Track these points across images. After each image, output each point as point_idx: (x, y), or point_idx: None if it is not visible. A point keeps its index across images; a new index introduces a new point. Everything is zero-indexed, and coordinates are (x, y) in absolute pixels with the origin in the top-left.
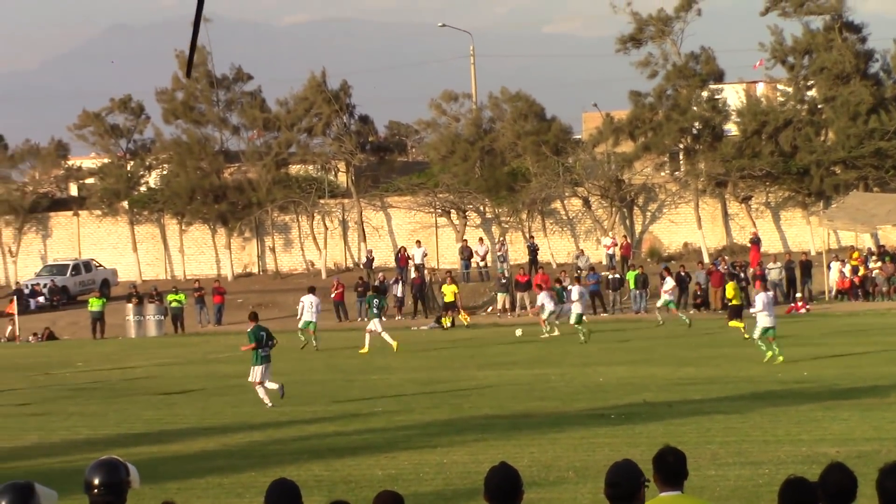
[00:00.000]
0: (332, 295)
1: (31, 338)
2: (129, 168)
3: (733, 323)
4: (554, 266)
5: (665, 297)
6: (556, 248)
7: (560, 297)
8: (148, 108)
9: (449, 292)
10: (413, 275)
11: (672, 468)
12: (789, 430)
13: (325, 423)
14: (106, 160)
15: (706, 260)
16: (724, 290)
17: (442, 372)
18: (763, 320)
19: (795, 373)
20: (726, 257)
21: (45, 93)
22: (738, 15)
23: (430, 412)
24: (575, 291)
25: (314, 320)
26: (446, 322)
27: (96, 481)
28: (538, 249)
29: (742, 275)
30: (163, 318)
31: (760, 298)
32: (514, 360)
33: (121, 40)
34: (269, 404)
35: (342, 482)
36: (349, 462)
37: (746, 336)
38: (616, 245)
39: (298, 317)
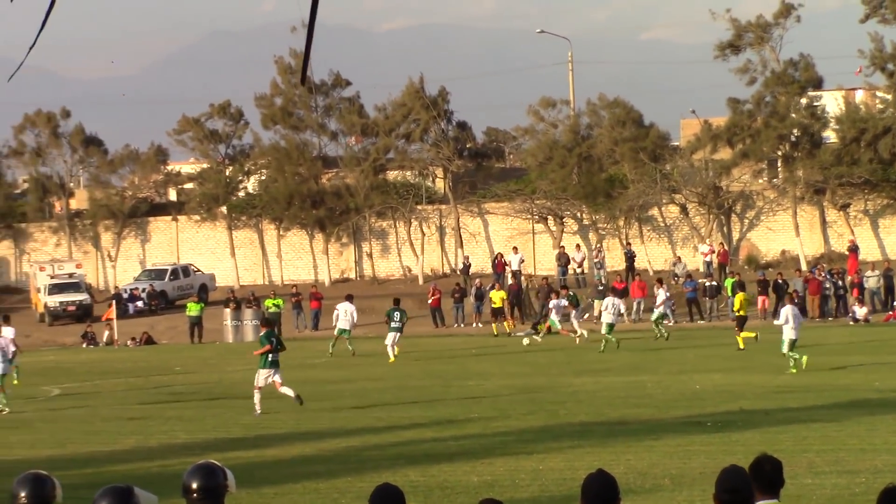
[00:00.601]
0: (429, 301)
1: (129, 342)
2: (227, 173)
3: (745, 334)
4: (650, 273)
5: (658, 310)
6: (652, 255)
7: (575, 302)
8: (247, 113)
9: (497, 298)
10: (510, 281)
11: (768, 476)
12: (887, 438)
13: (422, 429)
14: (205, 165)
15: (804, 267)
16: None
17: (538, 378)
18: (788, 333)
19: (893, 381)
20: (824, 265)
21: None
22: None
23: (526, 418)
24: (609, 303)
25: (348, 328)
26: (542, 329)
27: (194, 485)
28: (635, 256)
29: (840, 283)
30: (260, 323)
31: (786, 311)
32: (609, 366)
33: (220, 45)
34: (259, 412)
35: (438, 488)
36: (445, 468)
37: (742, 347)
38: (713, 252)
39: (334, 325)
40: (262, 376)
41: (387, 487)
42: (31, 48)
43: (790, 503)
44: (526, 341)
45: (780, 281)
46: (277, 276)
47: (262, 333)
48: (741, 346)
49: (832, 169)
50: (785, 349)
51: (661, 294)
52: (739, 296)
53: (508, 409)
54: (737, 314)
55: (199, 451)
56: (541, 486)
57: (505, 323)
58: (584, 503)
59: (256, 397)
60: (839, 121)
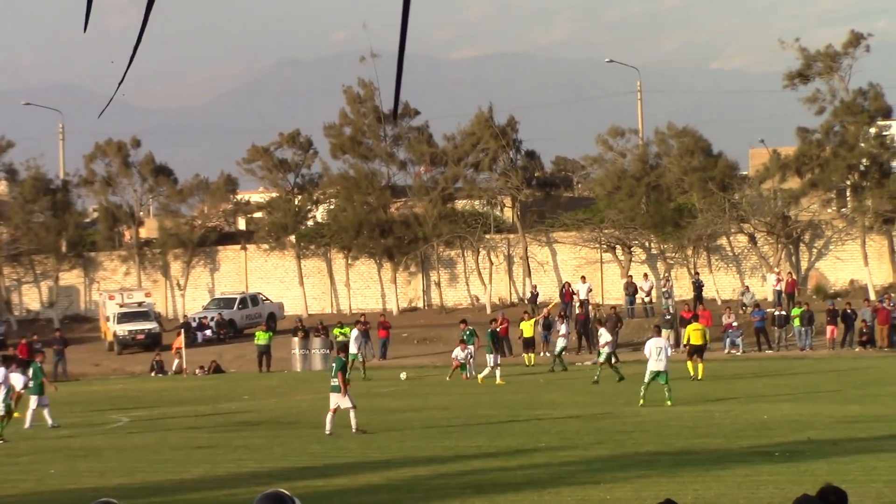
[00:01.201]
0: (497, 330)
1: (197, 371)
2: (296, 202)
3: (691, 363)
4: (719, 302)
5: (603, 350)
6: (721, 285)
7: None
8: (316, 142)
9: (527, 328)
10: (577, 310)
11: None
12: None
13: (489, 459)
14: (274, 194)
15: (872, 297)
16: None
17: (605, 407)
18: (653, 365)
19: None
20: (893, 294)
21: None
22: None
23: (593, 448)
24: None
25: (356, 352)
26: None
27: None
28: (703, 285)
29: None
30: (328, 351)
31: (650, 345)
32: (677, 395)
33: (291, 75)
34: (329, 432)
35: None
36: (512, 497)
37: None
38: (781, 282)
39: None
40: (335, 399)
41: None
42: (119, 83)
43: None
44: (403, 375)
45: (849, 311)
46: (346, 305)
47: (334, 357)
48: (692, 373)
49: None
50: (646, 379)
51: (604, 334)
52: (695, 326)
53: (575, 438)
54: (691, 344)
55: (266, 480)
56: None
57: (532, 355)
58: None
59: (329, 418)
60: None
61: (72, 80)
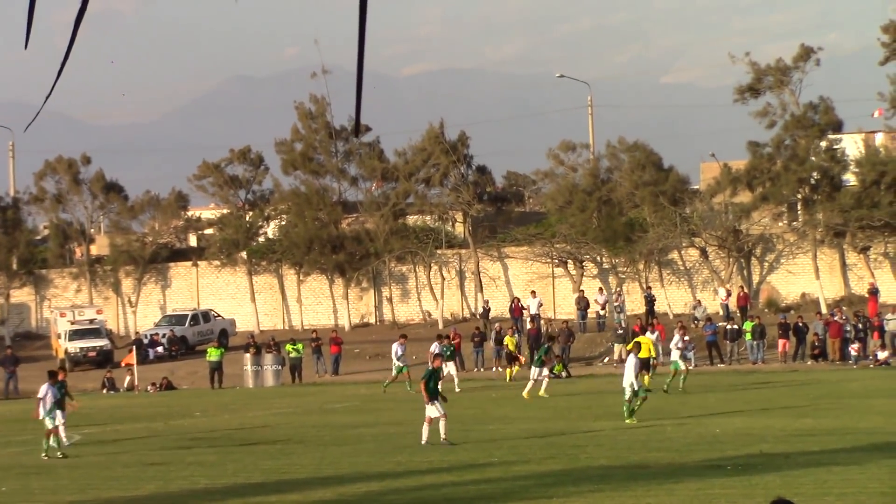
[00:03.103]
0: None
1: (149, 387)
2: (247, 218)
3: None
4: (671, 316)
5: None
6: (672, 299)
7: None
8: (267, 158)
9: (511, 343)
10: (528, 325)
11: None
12: None
13: (442, 474)
14: (225, 211)
15: (824, 310)
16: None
17: (558, 422)
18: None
19: None
20: (844, 308)
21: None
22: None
23: (546, 462)
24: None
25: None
26: (559, 370)
27: None
28: (655, 300)
29: (860, 325)
30: (280, 367)
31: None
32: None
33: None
34: (424, 441)
35: None
36: None
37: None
38: (731, 296)
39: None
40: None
41: None
42: (47, 98)
43: None
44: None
45: (801, 324)
46: (297, 321)
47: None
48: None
49: (852, 212)
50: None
51: (397, 348)
52: (644, 339)
53: (528, 453)
54: (639, 358)
55: (220, 497)
56: None
57: (516, 367)
58: None
59: (424, 428)
60: (859, 164)
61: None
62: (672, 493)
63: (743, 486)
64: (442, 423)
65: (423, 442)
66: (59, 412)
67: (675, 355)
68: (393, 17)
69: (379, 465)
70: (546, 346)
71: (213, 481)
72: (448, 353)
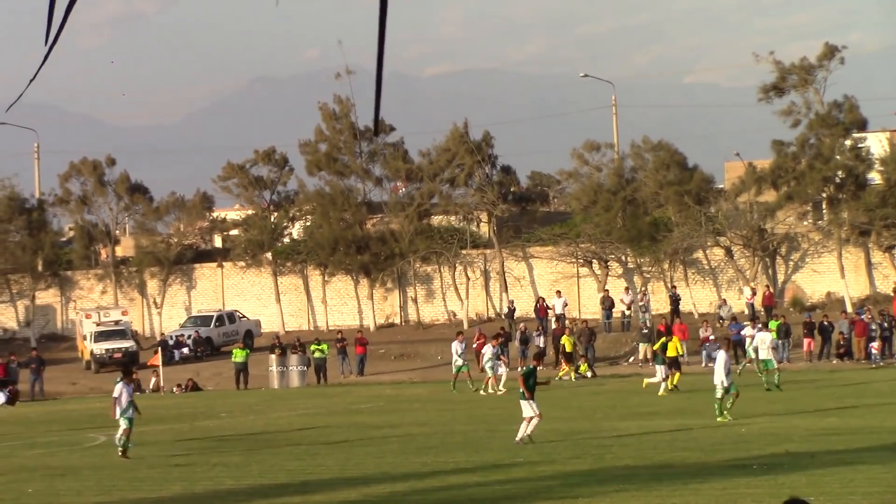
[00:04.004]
0: (474, 345)
1: (175, 389)
2: (272, 219)
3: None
4: (696, 316)
5: (486, 365)
6: (697, 298)
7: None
8: (291, 159)
9: (568, 343)
10: (553, 325)
11: None
12: None
13: (467, 474)
14: (250, 212)
15: (849, 309)
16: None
17: (583, 422)
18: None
19: None
20: (870, 307)
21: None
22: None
23: (571, 462)
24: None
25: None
26: (584, 369)
27: None
28: (680, 299)
29: (885, 324)
30: (305, 368)
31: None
32: (655, 410)
33: (264, 92)
34: (518, 438)
35: None
36: None
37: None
38: (755, 295)
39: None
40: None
41: None
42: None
43: None
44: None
45: (826, 323)
46: (322, 322)
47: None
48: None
49: (877, 211)
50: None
51: (487, 350)
52: (673, 340)
53: (553, 453)
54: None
55: (244, 498)
56: None
57: (570, 368)
58: None
59: (523, 426)
60: (884, 162)
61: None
62: (697, 492)
63: (769, 485)
64: (534, 422)
65: (517, 439)
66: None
67: (764, 353)
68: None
69: (404, 466)
70: (664, 340)
71: (238, 482)
72: (500, 352)
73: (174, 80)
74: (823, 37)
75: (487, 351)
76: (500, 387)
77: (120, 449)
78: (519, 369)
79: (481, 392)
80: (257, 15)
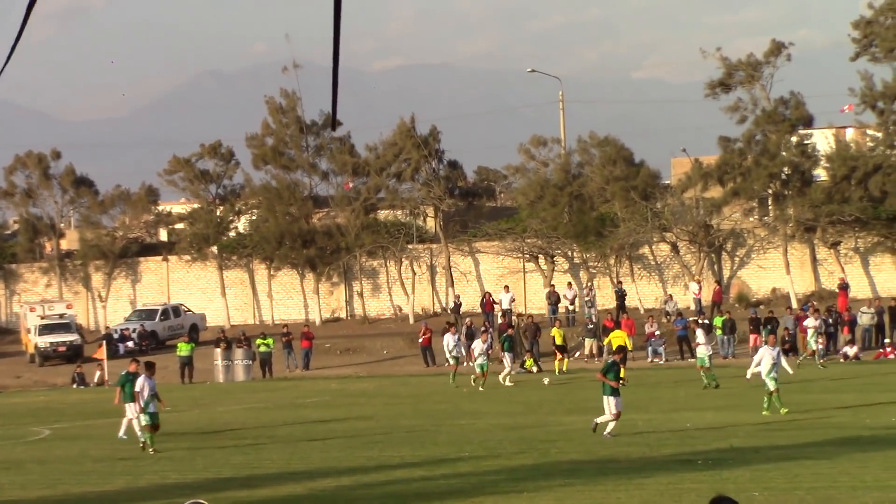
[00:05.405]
0: (420, 340)
1: None
2: (218, 213)
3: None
4: (641, 311)
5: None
6: (643, 294)
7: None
8: (238, 153)
9: (558, 335)
10: (500, 320)
11: None
12: (877, 475)
13: (412, 468)
14: (195, 205)
15: (794, 305)
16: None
17: (529, 417)
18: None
19: (884, 419)
20: (814, 303)
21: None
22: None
23: (516, 457)
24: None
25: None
26: (530, 364)
27: None
28: (626, 294)
29: (830, 321)
30: (251, 362)
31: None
32: (600, 405)
33: (211, 86)
34: (607, 433)
35: None
36: None
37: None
38: (701, 290)
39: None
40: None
41: None
42: None
43: None
44: (546, 380)
45: (771, 319)
46: (268, 316)
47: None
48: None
49: (823, 207)
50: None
51: (477, 345)
52: (620, 333)
53: (499, 448)
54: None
55: (189, 492)
56: None
57: (524, 361)
58: None
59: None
60: (829, 159)
61: None
62: (642, 487)
63: (713, 480)
64: (608, 420)
65: (605, 433)
66: (131, 405)
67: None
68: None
69: (349, 460)
70: (507, 336)
71: (182, 476)
72: (507, 344)
73: (120, 74)
74: (772, 33)
75: (477, 346)
76: (507, 381)
77: (142, 441)
78: (466, 364)
79: (480, 388)
80: (205, 9)
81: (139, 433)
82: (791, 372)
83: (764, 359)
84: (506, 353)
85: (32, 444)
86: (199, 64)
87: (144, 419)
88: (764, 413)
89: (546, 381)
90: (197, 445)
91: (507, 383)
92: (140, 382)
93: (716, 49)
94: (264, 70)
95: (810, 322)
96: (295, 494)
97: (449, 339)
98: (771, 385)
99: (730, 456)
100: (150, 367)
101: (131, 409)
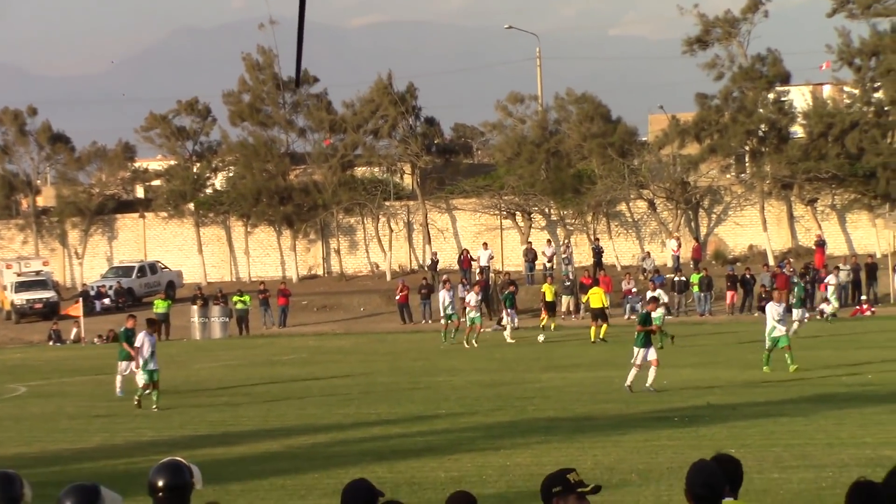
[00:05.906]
0: (397, 297)
1: (96, 339)
2: (195, 170)
3: (594, 328)
4: (618, 268)
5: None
6: (620, 251)
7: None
8: (214, 110)
9: (549, 292)
10: (477, 277)
11: (730, 475)
12: (853, 432)
13: (389, 426)
14: (172, 162)
15: (771, 262)
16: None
17: (506, 374)
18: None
19: (860, 376)
20: (791, 259)
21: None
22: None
23: (493, 414)
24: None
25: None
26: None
27: (160, 483)
28: (603, 252)
29: (807, 277)
30: (227, 320)
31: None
32: (578, 362)
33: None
34: (648, 386)
35: (406, 484)
36: (413, 464)
37: (593, 340)
38: (680, 247)
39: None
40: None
41: (359, 483)
42: None
43: (757, 498)
44: (541, 338)
45: (748, 276)
46: (245, 273)
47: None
48: (593, 338)
49: (799, 164)
50: (767, 345)
51: (471, 297)
52: (597, 290)
53: (476, 405)
54: (592, 308)
55: (165, 449)
56: (508, 481)
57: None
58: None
59: (632, 373)
60: (806, 116)
61: None
62: (618, 444)
63: (690, 437)
64: (652, 371)
65: (626, 385)
66: (124, 362)
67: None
68: None
69: (326, 418)
70: (509, 293)
71: (159, 433)
72: (509, 301)
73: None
74: None
75: (472, 299)
76: (510, 338)
77: (136, 398)
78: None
79: (465, 345)
80: None
81: (140, 388)
82: (795, 326)
83: (769, 316)
84: (508, 310)
85: (8, 401)
86: (175, 20)
87: (143, 377)
88: (765, 370)
89: (541, 338)
90: (173, 403)
91: (510, 340)
92: (140, 338)
93: (693, 5)
94: (241, 26)
95: (831, 279)
96: (272, 451)
97: (445, 296)
98: (783, 341)
99: (706, 413)
100: (151, 324)
101: (122, 366)
